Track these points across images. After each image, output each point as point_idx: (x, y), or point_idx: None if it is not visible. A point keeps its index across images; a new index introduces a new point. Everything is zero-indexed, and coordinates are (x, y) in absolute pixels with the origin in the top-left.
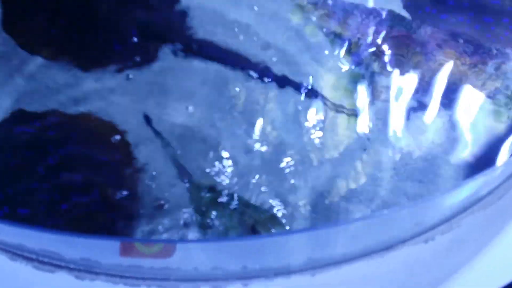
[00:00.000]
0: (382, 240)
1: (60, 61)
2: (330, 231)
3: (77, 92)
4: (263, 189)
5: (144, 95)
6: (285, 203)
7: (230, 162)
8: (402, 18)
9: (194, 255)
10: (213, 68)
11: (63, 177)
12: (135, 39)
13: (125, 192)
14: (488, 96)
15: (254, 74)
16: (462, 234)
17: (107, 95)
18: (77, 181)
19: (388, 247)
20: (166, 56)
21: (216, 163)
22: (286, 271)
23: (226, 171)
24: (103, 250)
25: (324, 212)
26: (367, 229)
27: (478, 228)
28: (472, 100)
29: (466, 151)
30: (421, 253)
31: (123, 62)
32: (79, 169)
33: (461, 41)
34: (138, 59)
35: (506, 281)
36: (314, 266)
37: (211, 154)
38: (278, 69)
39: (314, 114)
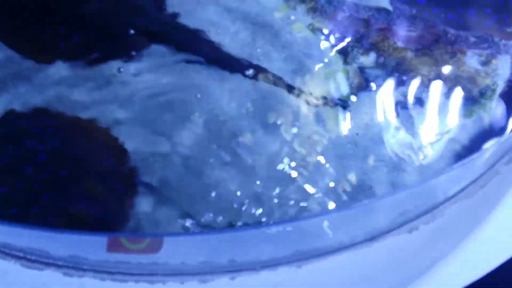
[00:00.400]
0: (367, 230)
1: (47, 59)
2: (315, 222)
3: (66, 90)
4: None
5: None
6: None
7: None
8: (388, 12)
9: (182, 249)
10: (197, 62)
11: (52, 176)
12: (123, 34)
13: (116, 191)
14: (479, 91)
15: (240, 69)
16: (446, 223)
17: (96, 91)
18: (67, 181)
19: (373, 238)
20: (154, 51)
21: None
22: (273, 264)
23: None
24: (90, 246)
25: (314, 206)
26: (352, 219)
27: (461, 217)
28: (456, 92)
29: (452, 142)
30: (405, 243)
31: (113, 56)
32: (69, 169)
33: (446, 32)
34: (127, 53)
35: (490, 268)
36: (300, 258)
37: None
38: (265, 64)
39: (301, 109)
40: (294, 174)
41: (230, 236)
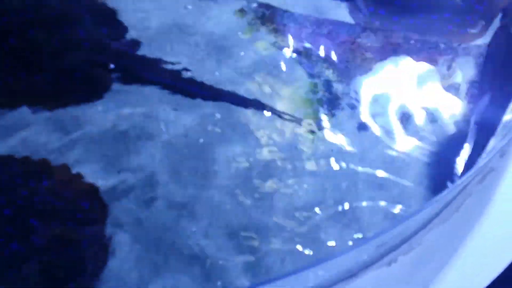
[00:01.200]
0: (346, 268)
1: (10, 103)
2: (301, 274)
3: (31, 134)
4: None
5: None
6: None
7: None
8: (350, 24)
9: None
10: (161, 90)
11: (20, 228)
12: (84, 72)
13: (90, 236)
14: (446, 96)
15: (205, 95)
16: (424, 251)
17: (61, 132)
18: (36, 231)
19: (352, 275)
20: (117, 84)
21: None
22: None
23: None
24: None
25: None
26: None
27: (439, 243)
28: (429, 101)
29: (426, 154)
30: (386, 276)
31: (76, 95)
32: (39, 218)
33: (410, 40)
34: (90, 91)
35: None
36: None
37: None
38: (232, 87)
39: (270, 128)
40: (267, 196)
41: None
